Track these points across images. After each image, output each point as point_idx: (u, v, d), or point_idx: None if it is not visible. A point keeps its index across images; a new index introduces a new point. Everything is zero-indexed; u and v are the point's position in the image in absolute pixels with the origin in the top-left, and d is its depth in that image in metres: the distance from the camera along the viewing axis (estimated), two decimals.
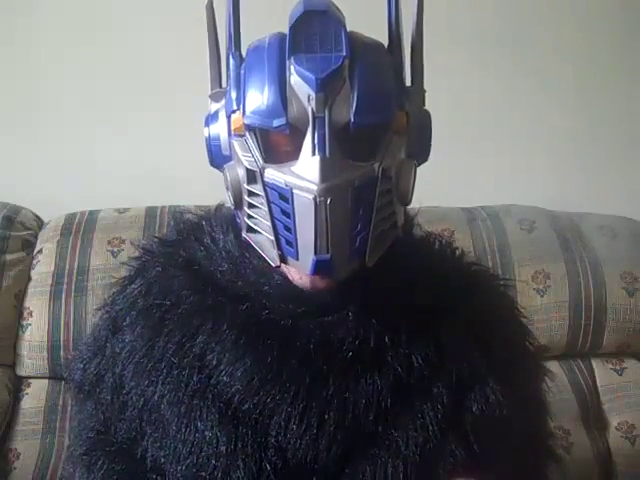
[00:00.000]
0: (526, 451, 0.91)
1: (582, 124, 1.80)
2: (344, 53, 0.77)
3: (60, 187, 1.67)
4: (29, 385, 1.45)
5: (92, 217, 1.53)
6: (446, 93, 1.65)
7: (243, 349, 0.84)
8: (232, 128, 0.82)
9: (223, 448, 0.82)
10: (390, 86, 0.80)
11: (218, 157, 0.86)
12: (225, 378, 0.84)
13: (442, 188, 1.61)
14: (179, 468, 0.84)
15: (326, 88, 0.75)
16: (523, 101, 1.75)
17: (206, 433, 0.83)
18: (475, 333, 0.88)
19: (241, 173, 0.81)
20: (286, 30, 0.79)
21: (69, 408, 1.41)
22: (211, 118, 0.87)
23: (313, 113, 0.75)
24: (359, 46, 0.79)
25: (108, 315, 0.96)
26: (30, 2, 1.69)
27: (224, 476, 0.82)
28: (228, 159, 0.84)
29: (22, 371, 1.45)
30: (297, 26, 0.78)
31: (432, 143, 0.87)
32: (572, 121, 1.79)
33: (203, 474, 0.83)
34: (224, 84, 0.88)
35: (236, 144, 0.81)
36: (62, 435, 1.39)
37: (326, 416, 0.82)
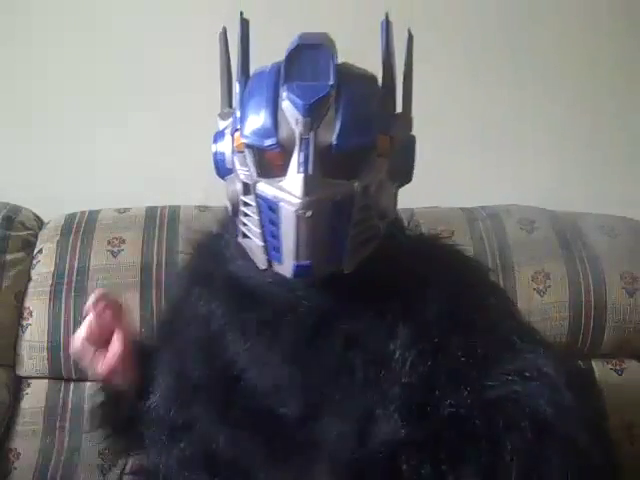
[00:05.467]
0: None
1: (582, 124, 1.80)
2: (331, 82, 0.87)
3: (60, 187, 1.67)
4: (29, 385, 1.45)
5: (92, 217, 1.53)
6: (446, 94, 1.66)
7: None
8: (234, 145, 0.93)
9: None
10: (372, 113, 0.90)
11: (223, 170, 0.97)
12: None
13: (442, 188, 1.61)
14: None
15: (312, 113, 0.86)
16: (523, 102, 1.75)
17: None
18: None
19: (238, 185, 0.92)
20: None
21: (69, 408, 1.42)
22: (218, 135, 0.98)
23: (300, 135, 0.86)
24: (347, 76, 0.90)
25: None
26: (30, 2, 1.69)
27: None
28: (230, 172, 0.95)
29: (22, 371, 1.45)
30: (291, 57, 0.89)
31: (420, 157, 0.95)
32: (572, 121, 1.79)
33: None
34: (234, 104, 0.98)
35: (236, 160, 0.92)
36: (62, 435, 1.39)
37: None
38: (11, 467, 1.36)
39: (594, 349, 1.52)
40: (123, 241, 1.47)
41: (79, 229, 1.51)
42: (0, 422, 1.38)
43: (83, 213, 1.55)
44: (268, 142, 0.88)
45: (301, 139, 0.86)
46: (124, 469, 1.40)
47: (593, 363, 1.53)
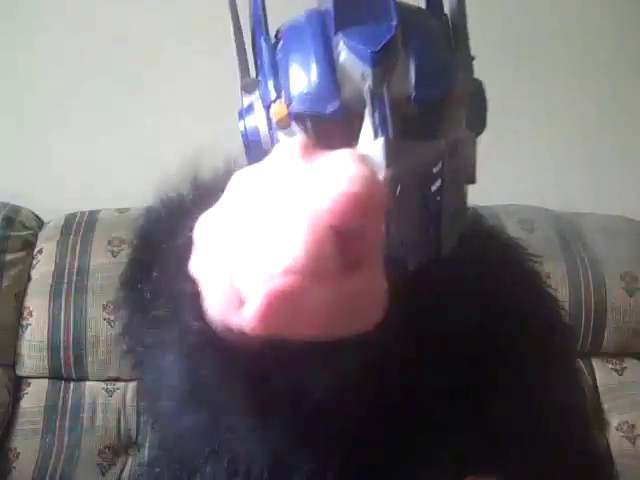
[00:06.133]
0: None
1: (582, 124, 1.80)
2: (395, 22, 0.68)
3: (60, 187, 1.67)
4: (29, 385, 1.45)
5: (92, 217, 1.53)
6: None
7: None
8: (275, 120, 0.72)
9: None
10: (448, 54, 0.73)
11: (258, 153, 0.75)
12: None
13: None
14: None
15: (382, 61, 0.67)
16: (523, 101, 1.75)
17: None
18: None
19: None
20: (318, 6, 0.72)
21: (69, 408, 1.42)
22: (245, 111, 0.76)
23: (371, 91, 0.66)
24: (408, 13, 0.71)
25: None
26: (31, 2, 1.69)
27: None
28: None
29: (22, 371, 1.45)
30: None
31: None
32: (572, 121, 1.79)
33: None
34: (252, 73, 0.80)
35: (282, 137, 0.72)
36: (62, 435, 1.39)
37: None
38: (11, 467, 1.36)
39: (594, 349, 1.52)
40: (123, 241, 1.47)
41: (79, 229, 1.51)
42: (0, 422, 1.38)
43: (83, 213, 1.55)
44: (331, 107, 0.68)
45: (373, 96, 0.66)
46: (124, 469, 1.40)
47: (593, 363, 1.53)
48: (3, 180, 1.64)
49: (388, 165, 0.65)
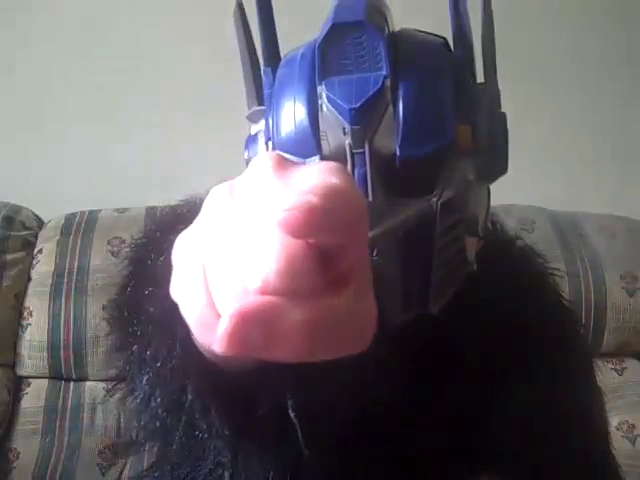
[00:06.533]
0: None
1: (582, 124, 1.80)
2: (384, 72, 0.62)
3: (60, 187, 1.67)
4: (29, 385, 1.45)
5: (92, 217, 1.53)
6: None
7: None
8: None
9: None
10: (445, 99, 0.65)
11: None
12: None
13: None
14: None
15: (364, 119, 0.62)
16: (524, 101, 1.75)
17: None
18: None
19: None
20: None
21: (69, 407, 1.42)
22: (251, 140, 0.74)
23: (350, 148, 0.62)
24: (406, 55, 0.65)
25: None
26: (31, 2, 1.69)
27: None
28: None
29: (22, 371, 1.45)
30: (326, 43, 0.63)
31: None
32: (572, 121, 1.79)
33: None
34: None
35: None
36: (62, 435, 1.39)
37: None
38: (11, 466, 1.36)
39: (594, 349, 1.51)
40: (123, 241, 1.47)
41: (79, 229, 1.51)
42: (0, 422, 1.38)
43: (83, 213, 1.55)
44: (309, 160, 0.64)
45: (352, 154, 0.62)
46: (124, 469, 1.40)
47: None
48: (3, 180, 1.64)
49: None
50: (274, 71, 0.69)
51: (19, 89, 1.70)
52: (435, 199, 0.63)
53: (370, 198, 0.62)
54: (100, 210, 1.55)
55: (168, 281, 0.44)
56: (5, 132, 1.70)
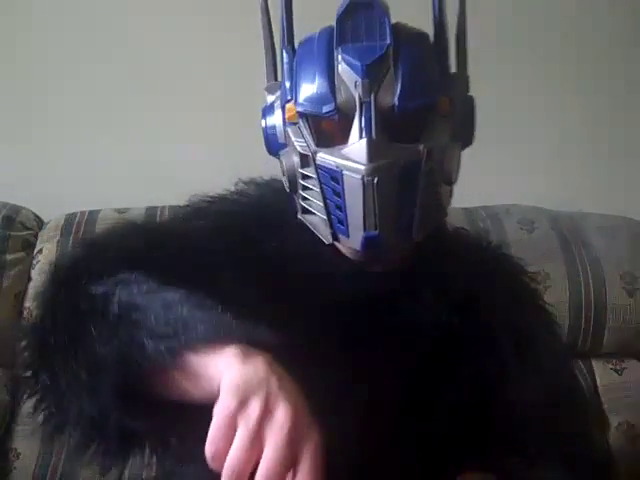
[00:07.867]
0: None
1: (582, 124, 1.80)
2: (388, 41, 0.83)
3: (60, 187, 1.67)
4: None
5: (92, 217, 1.53)
6: None
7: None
8: (286, 116, 0.88)
9: None
10: (432, 72, 0.86)
11: (274, 145, 0.92)
12: None
13: None
14: None
15: (371, 74, 0.81)
16: (524, 101, 1.75)
17: None
18: (500, 317, 0.95)
19: (295, 159, 0.87)
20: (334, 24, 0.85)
21: None
22: (267, 109, 0.93)
23: (360, 98, 0.81)
24: (403, 35, 0.85)
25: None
26: (30, 2, 1.69)
27: None
28: (283, 147, 0.90)
29: (22, 371, 1.45)
30: (343, 17, 0.85)
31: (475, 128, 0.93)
32: (572, 121, 1.79)
33: None
34: (279, 77, 0.95)
35: (290, 131, 0.88)
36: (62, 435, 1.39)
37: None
38: (11, 467, 1.36)
39: (594, 349, 1.52)
40: None
41: (79, 229, 1.51)
42: (0, 422, 1.38)
43: (83, 213, 1.55)
44: (326, 108, 0.83)
45: (361, 103, 0.81)
46: (123, 469, 1.40)
47: (593, 363, 1.53)
48: (3, 180, 1.64)
49: (369, 161, 0.80)
50: (293, 49, 0.90)
51: (19, 89, 1.70)
52: (422, 147, 0.83)
53: (374, 137, 0.80)
54: (100, 210, 1.55)
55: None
56: (5, 132, 1.70)
